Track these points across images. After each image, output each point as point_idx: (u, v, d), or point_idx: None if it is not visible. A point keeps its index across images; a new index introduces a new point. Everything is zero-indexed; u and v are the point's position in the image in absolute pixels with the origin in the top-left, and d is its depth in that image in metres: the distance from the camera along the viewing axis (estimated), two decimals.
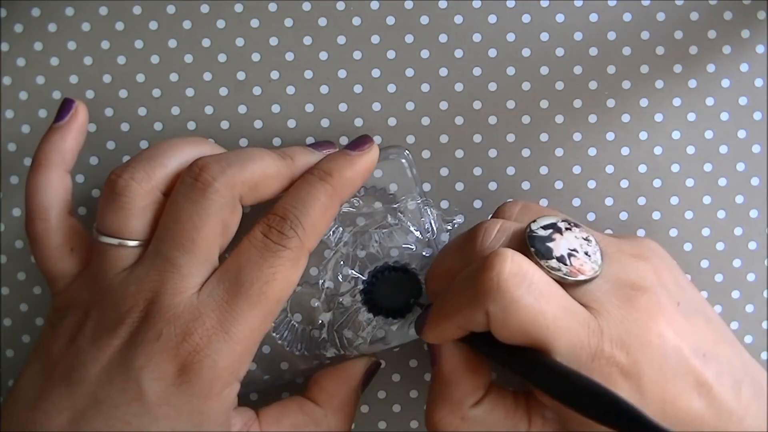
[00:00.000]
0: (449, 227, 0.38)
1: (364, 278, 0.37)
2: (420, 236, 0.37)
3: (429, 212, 0.38)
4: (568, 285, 0.32)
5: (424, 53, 0.39)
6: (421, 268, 0.37)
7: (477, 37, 0.39)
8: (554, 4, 0.39)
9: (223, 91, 0.39)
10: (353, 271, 0.37)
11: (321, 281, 0.37)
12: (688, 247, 0.39)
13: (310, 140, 0.39)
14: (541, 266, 0.32)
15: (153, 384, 0.31)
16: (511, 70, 0.39)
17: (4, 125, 0.39)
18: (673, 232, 0.39)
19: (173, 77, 0.39)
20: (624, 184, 0.39)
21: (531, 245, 0.32)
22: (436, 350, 0.34)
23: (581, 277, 0.32)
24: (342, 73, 0.39)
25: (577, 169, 0.39)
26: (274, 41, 0.39)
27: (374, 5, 0.39)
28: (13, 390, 0.33)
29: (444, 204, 0.39)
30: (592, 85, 0.39)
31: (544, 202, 0.39)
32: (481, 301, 0.30)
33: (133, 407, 0.31)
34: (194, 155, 0.35)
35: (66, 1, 0.39)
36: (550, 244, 0.32)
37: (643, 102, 0.39)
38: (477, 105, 0.39)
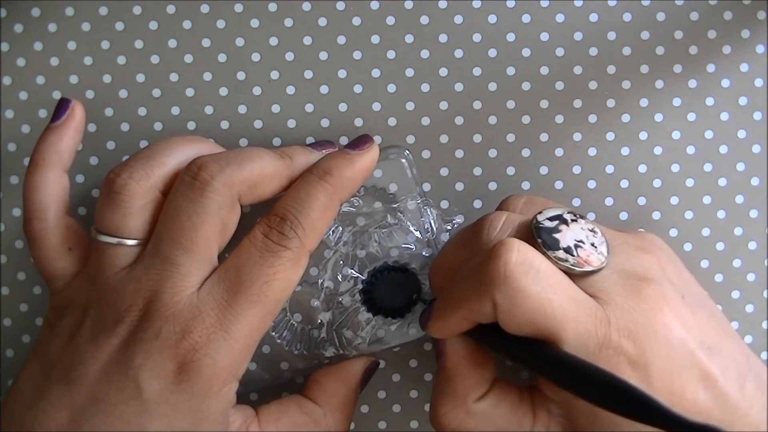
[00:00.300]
0: (449, 227, 0.38)
1: (363, 278, 0.37)
2: (420, 236, 0.37)
3: (429, 212, 0.38)
4: (575, 276, 0.32)
5: (424, 53, 0.39)
6: (420, 268, 0.37)
7: (477, 37, 0.39)
8: (554, 4, 0.39)
9: (223, 91, 0.39)
10: (353, 271, 0.37)
11: (320, 281, 0.37)
12: (688, 247, 0.39)
13: (310, 140, 0.39)
14: (548, 257, 0.32)
15: (152, 382, 0.31)
16: (511, 70, 0.39)
17: (4, 125, 0.39)
18: (673, 232, 0.39)
19: (173, 77, 0.39)
20: (624, 184, 0.39)
21: (537, 236, 0.32)
22: (440, 344, 0.34)
23: (588, 268, 0.32)
24: (342, 73, 0.39)
25: (577, 169, 0.39)
26: (274, 41, 0.39)
27: (374, 5, 0.39)
28: (11, 390, 0.33)
29: (444, 204, 0.39)
30: (592, 85, 0.39)
31: None
32: (487, 290, 0.30)
33: (132, 406, 0.31)
34: (193, 154, 0.35)
35: (66, 1, 0.39)
36: (557, 235, 0.32)
37: (643, 102, 0.39)
38: (477, 105, 0.39)
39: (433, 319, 0.34)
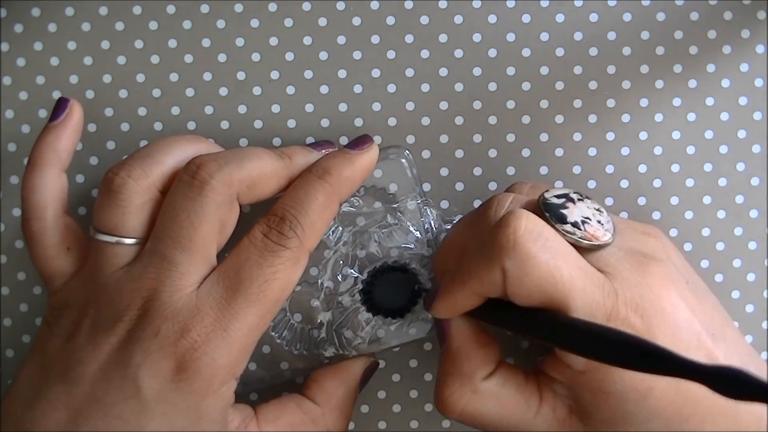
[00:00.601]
0: (449, 227, 0.38)
1: (363, 278, 0.37)
2: (420, 236, 0.37)
3: (429, 212, 0.38)
4: (582, 249, 0.32)
5: (424, 53, 0.39)
6: (420, 268, 0.37)
7: (477, 37, 0.39)
8: (554, 4, 0.39)
9: (223, 91, 0.39)
10: (353, 271, 0.37)
11: (320, 281, 0.37)
12: (688, 247, 0.39)
13: (310, 140, 0.39)
14: (556, 230, 0.32)
15: (150, 381, 0.31)
16: (511, 70, 0.39)
17: (4, 125, 0.39)
18: (673, 232, 0.39)
19: (173, 77, 0.39)
20: (624, 184, 0.39)
21: (545, 211, 0.32)
22: (444, 326, 0.34)
23: (595, 242, 0.32)
24: (342, 73, 0.39)
25: (577, 169, 0.39)
26: (274, 41, 0.39)
27: (374, 5, 0.39)
28: (10, 389, 0.33)
29: (444, 204, 0.39)
30: (592, 85, 0.39)
31: None
32: (497, 258, 0.31)
33: (131, 405, 0.31)
34: (191, 153, 0.35)
35: (66, 1, 0.39)
36: (564, 211, 0.33)
37: (643, 102, 0.39)
38: (477, 105, 0.39)
39: (440, 297, 0.34)
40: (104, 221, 0.33)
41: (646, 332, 0.31)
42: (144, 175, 0.33)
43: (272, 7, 0.39)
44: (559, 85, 0.39)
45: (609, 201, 0.39)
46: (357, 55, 0.39)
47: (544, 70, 0.39)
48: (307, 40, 0.39)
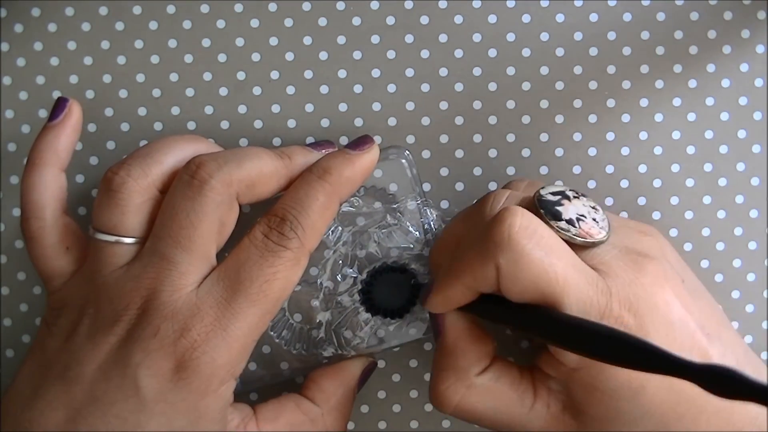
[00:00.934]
0: None
1: (362, 278, 0.37)
2: (419, 236, 0.37)
3: (429, 212, 0.38)
4: (576, 246, 0.32)
5: (424, 53, 0.39)
6: (420, 268, 0.37)
7: (477, 37, 0.39)
8: (554, 4, 0.39)
9: (223, 91, 0.39)
10: (352, 271, 0.37)
11: (320, 280, 0.37)
12: (688, 247, 0.39)
13: (310, 140, 0.39)
14: (551, 226, 0.32)
15: (150, 381, 0.31)
16: (511, 70, 0.39)
17: (4, 125, 0.39)
18: (673, 232, 0.39)
19: (173, 77, 0.39)
20: (624, 184, 0.39)
21: (540, 208, 0.32)
22: (439, 321, 0.34)
23: (590, 239, 0.32)
24: (342, 73, 0.39)
25: (577, 169, 0.39)
26: (274, 41, 0.39)
27: (374, 5, 0.39)
28: (9, 389, 0.33)
29: (444, 204, 0.39)
30: (592, 85, 0.39)
31: None
32: (492, 254, 0.31)
33: (130, 404, 0.31)
34: (191, 153, 0.35)
35: (66, 1, 0.39)
36: (559, 208, 0.33)
37: (643, 102, 0.39)
38: (477, 105, 0.39)
39: (435, 291, 0.34)
40: (103, 220, 0.33)
41: (639, 330, 0.31)
42: (143, 174, 0.33)
43: (272, 7, 0.39)
44: (559, 85, 0.39)
45: (609, 201, 0.39)
46: (357, 55, 0.39)
47: (544, 70, 0.39)
48: (307, 40, 0.39)
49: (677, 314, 0.32)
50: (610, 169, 0.39)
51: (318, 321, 0.37)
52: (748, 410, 0.32)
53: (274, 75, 0.39)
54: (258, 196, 0.34)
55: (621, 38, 0.39)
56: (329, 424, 0.36)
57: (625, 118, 0.39)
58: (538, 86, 0.39)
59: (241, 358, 0.33)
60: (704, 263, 0.39)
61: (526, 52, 0.39)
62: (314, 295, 0.38)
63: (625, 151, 0.39)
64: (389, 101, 0.39)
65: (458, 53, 0.39)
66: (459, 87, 0.39)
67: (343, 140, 0.39)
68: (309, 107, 0.39)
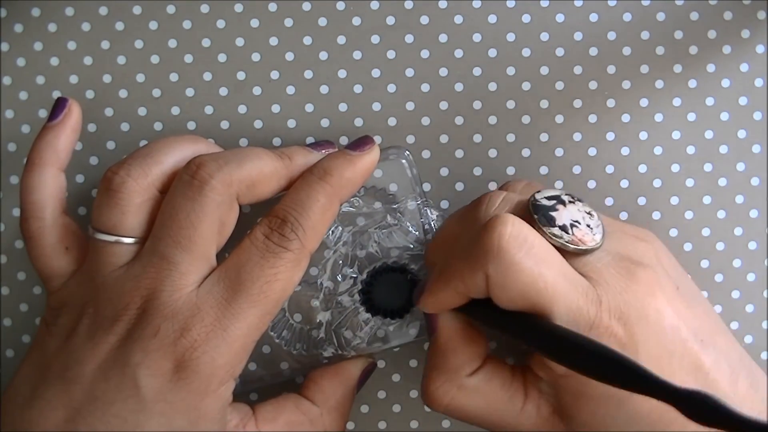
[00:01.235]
0: None
1: (362, 278, 0.37)
2: (419, 236, 0.37)
3: (429, 212, 0.38)
4: (568, 254, 0.32)
5: (424, 53, 0.39)
6: (420, 268, 0.37)
7: (477, 37, 0.39)
8: (554, 4, 0.39)
9: (223, 91, 0.39)
10: (352, 271, 0.37)
11: (320, 281, 0.37)
12: (688, 247, 0.39)
13: (310, 140, 0.39)
14: (543, 233, 0.32)
15: (149, 380, 0.31)
16: (511, 70, 0.39)
17: (4, 125, 0.39)
18: (673, 232, 0.39)
19: (173, 77, 0.39)
20: (624, 184, 0.39)
21: (534, 213, 0.32)
22: (433, 320, 0.35)
23: (582, 246, 0.32)
24: (342, 73, 0.39)
25: (577, 169, 0.39)
26: (274, 41, 0.39)
27: (374, 5, 0.39)
28: (8, 389, 0.33)
29: (444, 204, 0.39)
30: (592, 85, 0.39)
31: None
32: (481, 262, 0.31)
33: (129, 404, 0.31)
34: (191, 153, 0.35)
35: (66, 1, 0.39)
36: (553, 213, 0.33)
37: (643, 102, 0.39)
38: (477, 105, 0.39)
39: (427, 292, 0.34)
40: (103, 220, 0.33)
41: (628, 340, 0.31)
42: (143, 174, 0.33)
43: (272, 7, 0.39)
44: (559, 85, 0.39)
45: (609, 201, 0.39)
46: (357, 55, 0.39)
47: (544, 70, 0.39)
48: (307, 40, 0.39)
49: (669, 322, 0.31)
50: (610, 169, 0.39)
51: (318, 321, 0.37)
52: None
53: (274, 75, 0.39)
54: (258, 197, 0.34)
55: (621, 38, 0.39)
56: (328, 424, 0.36)
57: (625, 118, 0.39)
58: (538, 86, 0.39)
59: (241, 359, 0.33)
60: (704, 263, 0.39)
61: (526, 52, 0.39)
62: (314, 295, 0.38)
63: (625, 151, 0.39)
64: (389, 101, 0.39)
65: (458, 53, 0.39)
66: (459, 87, 0.39)
67: (343, 140, 0.39)
68: (309, 107, 0.39)
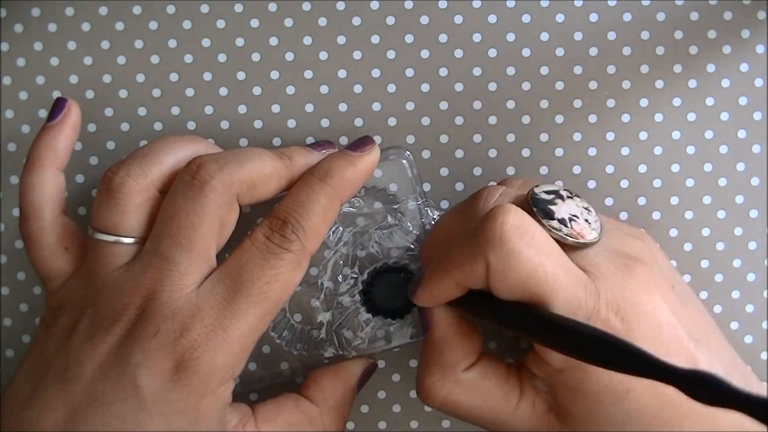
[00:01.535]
0: None
1: (363, 278, 0.37)
2: (420, 236, 0.38)
3: (429, 212, 0.38)
4: (567, 246, 0.32)
5: (424, 53, 0.39)
6: (420, 268, 0.37)
7: (477, 37, 0.39)
8: (554, 4, 0.39)
9: (223, 91, 0.39)
10: (353, 272, 0.37)
11: (320, 281, 0.37)
12: (688, 247, 0.39)
13: (310, 140, 0.39)
14: (542, 225, 0.32)
15: (149, 380, 0.31)
16: (511, 70, 0.39)
17: (4, 125, 0.39)
18: (673, 232, 0.39)
19: (173, 77, 0.39)
20: (624, 184, 0.39)
21: (533, 205, 0.32)
22: (428, 315, 0.35)
23: (581, 240, 0.32)
24: (342, 73, 0.39)
25: (577, 169, 0.39)
26: (274, 41, 0.39)
27: (374, 5, 0.39)
28: (8, 389, 0.33)
29: (444, 204, 0.39)
30: (592, 85, 0.39)
31: None
32: (482, 251, 0.31)
33: (129, 404, 0.31)
34: (191, 153, 0.35)
35: (66, 1, 0.39)
36: (552, 207, 0.33)
37: (643, 102, 0.39)
38: (477, 105, 0.39)
39: (424, 285, 0.34)
40: (103, 220, 0.33)
41: (626, 334, 0.31)
42: (143, 174, 0.33)
43: (272, 7, 0.39)
44: (559, 85, 0.39)
45: (609, 201, 0.39)
46: (357, 55, 0.39)
47: (544, 70, 0.39)
48: (307, 40, 0.39)
49: (665, 319, 0.32)
50: (610, 169, 0.39)
51: (319, 321, 0.37)
52: (732, 417, 0.32)
53: (274, 75, 0.39)
54: (258, 197, 0.34)
55: (621, 38, 0.39)
56: (327, 424, 0.36)
57: (625, 118, 0.39)
58: (538, 86, 0.39)
59: (241, 359, 0.33)
60: (704, 263, 0.39)
61: (526, 52, 0.39)
62: (315, 295, 0.38)
63: (625, 151, 0.39)
64: (389, 101, 0.39)
65: (458, 53, 0.39)
66: (459, 87, 0.39)
67: (343, 140, 0.39)
68: (309, 107, 0.39)
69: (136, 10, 0.39)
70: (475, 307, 0.33)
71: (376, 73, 0.39)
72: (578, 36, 0.39)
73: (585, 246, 0.33)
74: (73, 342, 0.32)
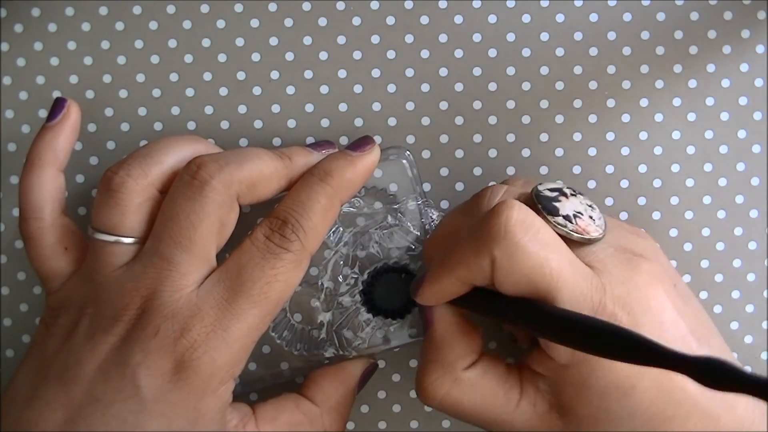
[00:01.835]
0: None
1: (363, 278, 0.37)
2: (420, 236, 0.38)
3: (429, 212, 0.38)
4: (572, 242, 0.32)
5: (424, 53, 0.39)
6: (420, 268, 0.37)
7: (477, 37, 0.39)
8: (554, 4, 0.39)
9: (223, 91, 0.39)
10: (353, 272, 0.37)
11: (321, 281, 0.37)
12: (688, 247, 0.39)
13: (310, 140, 0.39)
14: (547, 221, 0.32)
15: (149, 381, 0.31)
16: (511, 70, 0.39)
17: (4, 125, 0.39)
18: (673, 232, 0.39)
19: (173, 77, 0.39)
20: (624, 184, 0.39)
21: (537, 202, 0.33)
22: (429, 314, 0.34)
23: (586, 236, 0.32)
24: (342, 73, 0.39)
25: (577, 169, 0.39)
26: (274, 41, 0.39)
27: (374, 5, 0.39)
28: (8, 390, 0.33)
29: (444, 204, 0.39)
30: (592, 85, 0.39)
31: None
32: (487, 246, 0.31)
33: (129, 404, 0.31)
34: (191, 153, 0.35)
35: (66, 1, 0.39)
36: (556, 204, 0.33)
37: (643, 102, 0.39)
38: (477, 105, 0.39)
39: (427, 283, 0.34)
40: (103, 220, 0.33)
41: (632, 328, 0.31)
42: (143, 174, 0.33)
43: (272, 7, 0.39)
44: (559, 85, 0.39)
45: (609, 201, 0.39)
46: (357, 55, 0.39)
47: (544, 70, 0.39)
48: (307, 40, 0.39)
49: (669, 316, 0.32)
50: (610, 169, 0.39)
51: (319, 321, 0.37)
52: (736, 413, 0.32)
53: (274, 75, 0.39)
54: (258, 197, 0.34)
55: (621, 38, 0.39)
56: (327, 424, 0.36)
57: (625, 118, 0.39)
58: (538, 86, 0.39)
59: (241, 359, 0.33)
60: (704, 263, 0.39)
61: (526, 52, 0.39)
62: (315, 295, 0.38)
63: (625, 151, 0.39)
64: (389, 101, 0.39)
65: (458, 53, 0.39)
66: (459, 87, 0.39)
67: (343, 140, 0.39)
68: (309, 107, 0.39)
69: (136, 10, 0.39)
70: (479, 304, 0.33)
71: (376, 73, 0.39)
72: (578, 36, 0.39)
73: (590, 242, 0.33)
74: (73, 342, 0.32)
